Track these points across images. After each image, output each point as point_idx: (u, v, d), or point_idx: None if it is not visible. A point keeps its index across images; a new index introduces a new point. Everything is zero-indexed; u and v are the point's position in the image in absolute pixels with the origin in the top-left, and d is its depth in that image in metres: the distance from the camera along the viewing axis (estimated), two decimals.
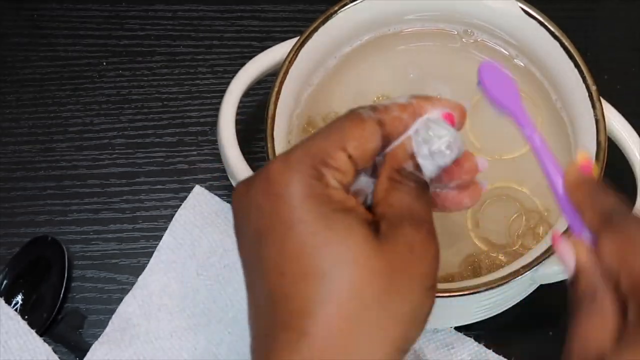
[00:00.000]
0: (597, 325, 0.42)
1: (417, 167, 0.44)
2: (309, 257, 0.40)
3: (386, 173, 0.43)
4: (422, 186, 0.44)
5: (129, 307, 0.64)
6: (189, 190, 0.67)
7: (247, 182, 0.43)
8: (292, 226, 0.41)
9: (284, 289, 0.41)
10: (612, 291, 0.42)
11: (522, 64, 0.62)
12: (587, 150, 0.50)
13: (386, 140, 0.44)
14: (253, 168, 0.59)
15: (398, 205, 0.43)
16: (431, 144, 0.43)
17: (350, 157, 0.42)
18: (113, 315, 0.63)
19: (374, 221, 0.42)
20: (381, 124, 0.43)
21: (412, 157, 0.43)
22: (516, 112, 0.46)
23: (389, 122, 0.44)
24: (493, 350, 0.62)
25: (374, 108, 0.44)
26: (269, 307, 0.41)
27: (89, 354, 0.62)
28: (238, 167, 0.59)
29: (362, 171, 0.44)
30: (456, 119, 0.45)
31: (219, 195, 0.67)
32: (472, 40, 0.63)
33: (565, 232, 0.51)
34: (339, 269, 0.40)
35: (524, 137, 0.46)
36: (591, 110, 0.57)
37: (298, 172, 0.41)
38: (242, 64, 0.61)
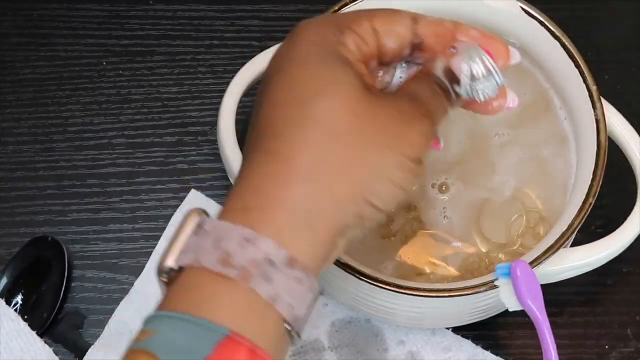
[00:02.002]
0: None
1: (452, 81, 0.46)
2: (298, 85, 0.43)
3: (420, 74, 0.47)
4: (444, 94, 0.46)
5: (126, 311, 0.64)
6: (188, 190, 0.67)
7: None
8: (295, 60, 0.44)
9: (268, 116, 0.43)
10: None
11: (522, 63, 0.62)
12: None
13: (420, 42, 0.47)
14: None
15: (409, 89, 0.46)
16: (475, 68, 0.46)
17: (375, 30, 0.46)
18: (109, 320, 0.63)
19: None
20: (415, 21, 0.47)
21: (449, 71, 0.46)
22: (537, 315, 0.53)
23: (425, 23, 0.47)
24: (491, 352, 0.62)
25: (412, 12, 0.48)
26: (254, 136, 0.44)
27: (86, 358, 0.62)
28: (238, 167, 0.59)
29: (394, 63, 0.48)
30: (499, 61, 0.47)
31: (219, 195, 0.67)
32: None
33: None
34: (320, 100, 0.42)
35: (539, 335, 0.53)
36: (591, 110, 0.57)
37: (321, 26, 0.45)
38: (242, 64, 0.61)
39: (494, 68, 0.46)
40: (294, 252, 0.41)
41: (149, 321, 0.42)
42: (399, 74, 0.49)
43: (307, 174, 0.42)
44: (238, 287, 0.40)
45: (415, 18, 0.47)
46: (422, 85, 0.46)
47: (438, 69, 0.47)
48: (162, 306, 0.42)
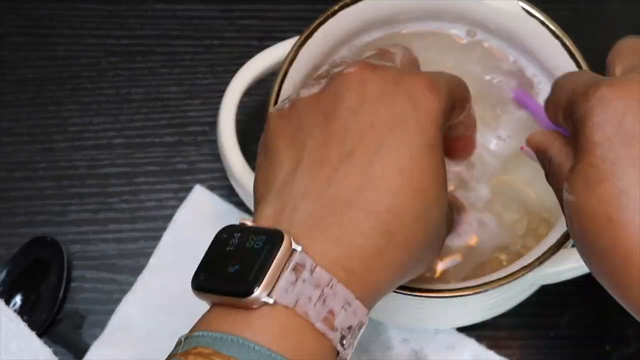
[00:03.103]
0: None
1: None
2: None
3: None
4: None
5: (129, 307, 0.64)
6: (188, 190, 0.67)
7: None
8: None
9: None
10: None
11: (521, 62, 0.62)
12: None
13: None
14: (253, 168, 0.59)
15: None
16: None
17: None
18: (112, 315, 0.63)
19: None
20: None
21: None
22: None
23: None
24: (494, 351, 0.62)
25: None
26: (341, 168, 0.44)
27: (88, 354, 0.62)
28: (238, 167, 0.59)
29: None
30: None
31: (219, 195, 0.67)
32: (473, 40, 0.63)
33: None
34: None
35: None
36: None
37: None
38: (242, 64, 0.61)
39: None
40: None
41: (225, 342, 0.40)
42: None
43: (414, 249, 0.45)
44: (329, 347, 0.41)
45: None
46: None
47: None
48: (241, 330, 0.40)
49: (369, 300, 0.43)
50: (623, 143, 0.41)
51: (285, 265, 0.40)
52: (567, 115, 0.44)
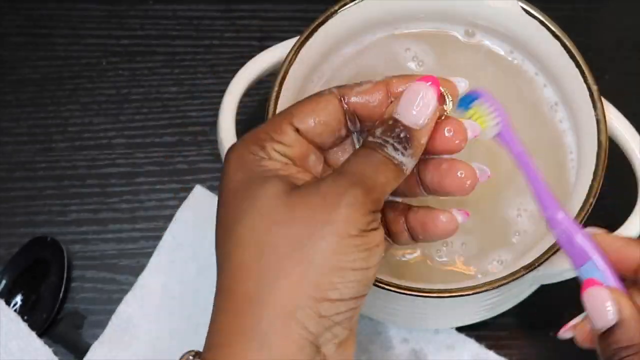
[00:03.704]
0: None
1: (400, 140, 0.44)
2: (225, 215, 0.45)
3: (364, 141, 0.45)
4: (387, 161, 0.44)
5: (129, 307, 0.64)
6: (189, 190, 0.67)
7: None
8: (224, 192, 0.45)
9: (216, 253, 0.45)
10: None
11: (521, 63, 0.62)
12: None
13: (358, 115, 0.46)
14: None
15: (350, 164, 0.44)
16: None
17: (298, 130, 0.45)
18: (113, 315, 0.63)
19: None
20: (344, 98, 0.46)
21: (395, 121, 0.44)
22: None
23: (357, 98, 0.46)
24: (494, 351, 0.62)
25: (340, 86, 0.47)
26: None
27: (88, 354, 0.62)
28: None
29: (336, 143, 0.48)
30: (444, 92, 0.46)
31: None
32: (472, 41, 0.63)
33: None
34: (240, 222, 0.43)
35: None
36: (592, 110, 0.57)
37: (242, 150, 0.45)
38: (242, 64, 0.61)
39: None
40: None
41: None
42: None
43: (255, 304, 0.42)
44: None
45: (343, 94, 0.46)
46: (355, 156, 0.44)
47: (377, 131, 0.45)
48: None
49: None
50: None
51: None
52: None
